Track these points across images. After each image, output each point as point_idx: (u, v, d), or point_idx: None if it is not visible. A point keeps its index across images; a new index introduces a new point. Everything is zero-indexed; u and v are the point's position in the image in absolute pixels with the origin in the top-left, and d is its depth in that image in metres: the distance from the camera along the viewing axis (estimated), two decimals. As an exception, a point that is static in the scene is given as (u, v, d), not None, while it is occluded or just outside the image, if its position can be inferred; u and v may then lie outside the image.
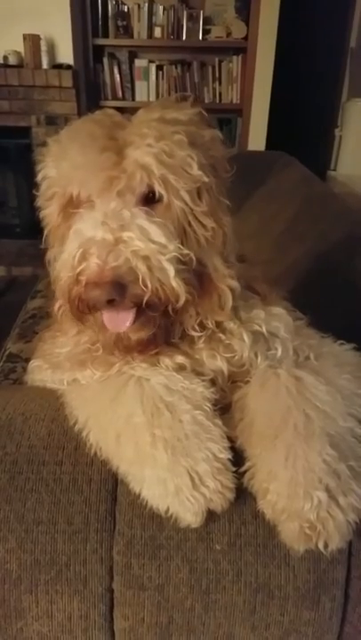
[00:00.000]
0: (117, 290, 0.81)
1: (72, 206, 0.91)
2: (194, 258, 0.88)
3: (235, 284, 0.92)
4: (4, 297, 3.83)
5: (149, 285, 0.82)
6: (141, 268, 0.81)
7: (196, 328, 0.93)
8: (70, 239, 0.87)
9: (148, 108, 0.94)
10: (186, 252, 0.86)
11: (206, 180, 0.87)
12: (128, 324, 0.86)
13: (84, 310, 0.88)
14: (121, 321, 0.86)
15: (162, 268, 0.83)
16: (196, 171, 0.86)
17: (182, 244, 0.87)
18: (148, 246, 0.82)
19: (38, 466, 0.83)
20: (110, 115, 0.95)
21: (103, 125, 0.91)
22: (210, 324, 0.93)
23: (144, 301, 0.83)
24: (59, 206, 0.93)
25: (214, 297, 0.92)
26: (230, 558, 0.80)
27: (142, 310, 0.86)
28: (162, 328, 0.90)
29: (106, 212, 0.85)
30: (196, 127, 0.91)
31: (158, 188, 0.86)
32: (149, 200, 0.88)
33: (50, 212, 0.96)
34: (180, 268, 0.85)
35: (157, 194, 0.87)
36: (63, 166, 0.90)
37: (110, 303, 0.82)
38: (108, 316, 0.87)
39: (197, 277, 0.90)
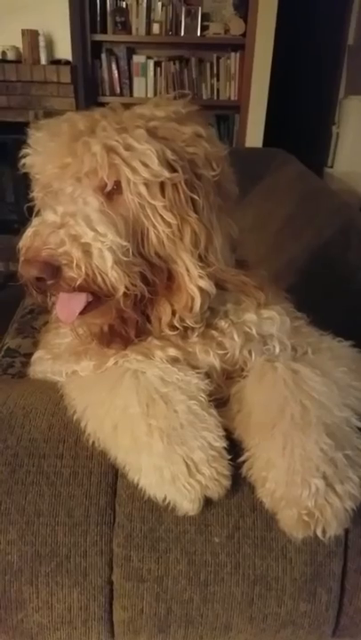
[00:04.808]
0: (49, 270, 0.84)
1: (46, 191, 0.94)
2: (152, 252, 0.89)
3: (208, 285, 0.91)
4: (1, 292, 3.82)
5: (83, 269, 0.84)
6: (75, 253, 0.84)
7: (165, 328, 0.94)
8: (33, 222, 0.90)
9: (141, 105, 0.96)
10: (124, 243, 0.86)
11: (168, 175, 0.87)
12: (78, 310, 0.89)
13: (39, 291, 0.90)
14: (72, 308, 0.89)
15: (101, 256, 0.85)
16: (156, 165, 0.86)
17: (142, 237, 0.89)
18: (87, 233, 0.84)
19: (39, 459, 0.83)
20: (111, 108, 0.96)
21: (89, 118, 0.92)
22: (177, 324, 0.94)
23: (76, 285, 0.85)
24: (39, 190, 0.97)
25: (183, 296, 0.92)
26: (228, 550, 0.81)
27: (99, 300, 0.89)
28: (126, 322, 0.92)
29: (61, 197, 0.88)
30: (178, 123, 0.92)
31: (111, 178, 0.87)
32: (112, 191, 0.89)
33: (35, 196, 1.00)
34: (123, 260, 0.86)
35: (114, 185, 0.88)
36: (32, 153, 0.94)
37: (40, 282, 0.85)
38: (59, 303, 0.90)
39: (167, 274, 0.92)
